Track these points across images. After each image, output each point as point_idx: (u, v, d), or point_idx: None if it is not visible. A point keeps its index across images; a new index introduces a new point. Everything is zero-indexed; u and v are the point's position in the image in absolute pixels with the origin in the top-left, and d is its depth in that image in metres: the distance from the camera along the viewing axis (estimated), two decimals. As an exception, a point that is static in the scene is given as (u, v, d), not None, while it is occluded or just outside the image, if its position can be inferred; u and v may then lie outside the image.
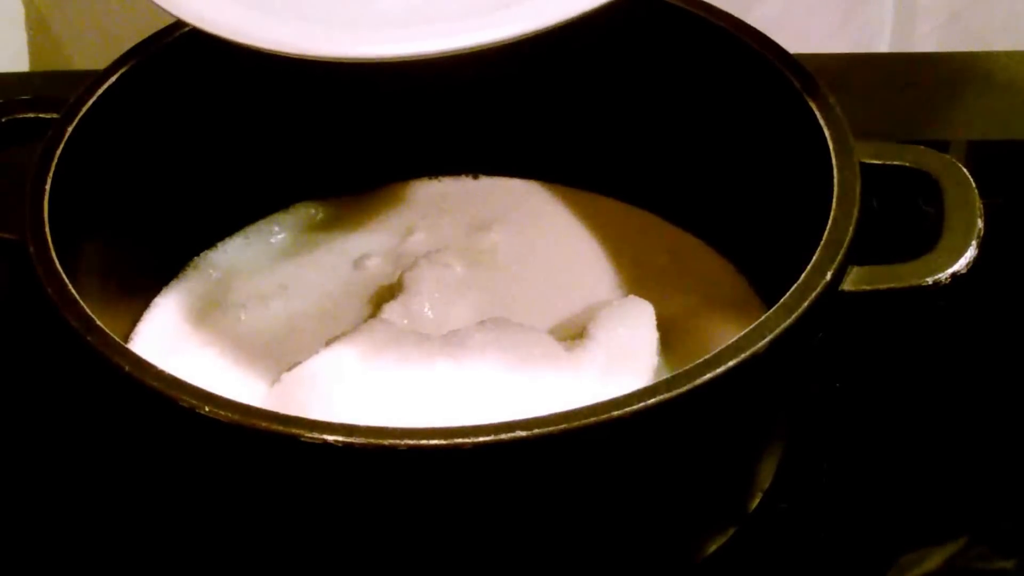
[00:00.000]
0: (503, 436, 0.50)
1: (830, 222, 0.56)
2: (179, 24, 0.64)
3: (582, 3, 0.57)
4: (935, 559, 0.62)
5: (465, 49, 0.56)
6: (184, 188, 0.67)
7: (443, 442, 0.50)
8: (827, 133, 0.59)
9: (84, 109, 0.62)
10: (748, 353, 0.52)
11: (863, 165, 0.58)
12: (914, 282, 0.56)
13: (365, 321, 0.63)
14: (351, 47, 0.57)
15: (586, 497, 0.54)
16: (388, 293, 0.67)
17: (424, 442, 0.50)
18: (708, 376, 0.51)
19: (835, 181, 0.58)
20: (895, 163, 0.60)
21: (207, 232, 0.70)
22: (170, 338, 0.65)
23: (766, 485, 0.62)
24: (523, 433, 0.50)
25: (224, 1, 0.59)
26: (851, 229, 0.56)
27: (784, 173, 0.63)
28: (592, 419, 0.50)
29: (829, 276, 0.54)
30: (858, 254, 0.56)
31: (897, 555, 0.62)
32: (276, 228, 0.71)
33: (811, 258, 0.55)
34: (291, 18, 0.58)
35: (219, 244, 0.70)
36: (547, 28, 0.56)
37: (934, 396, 0.67)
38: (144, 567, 0.61)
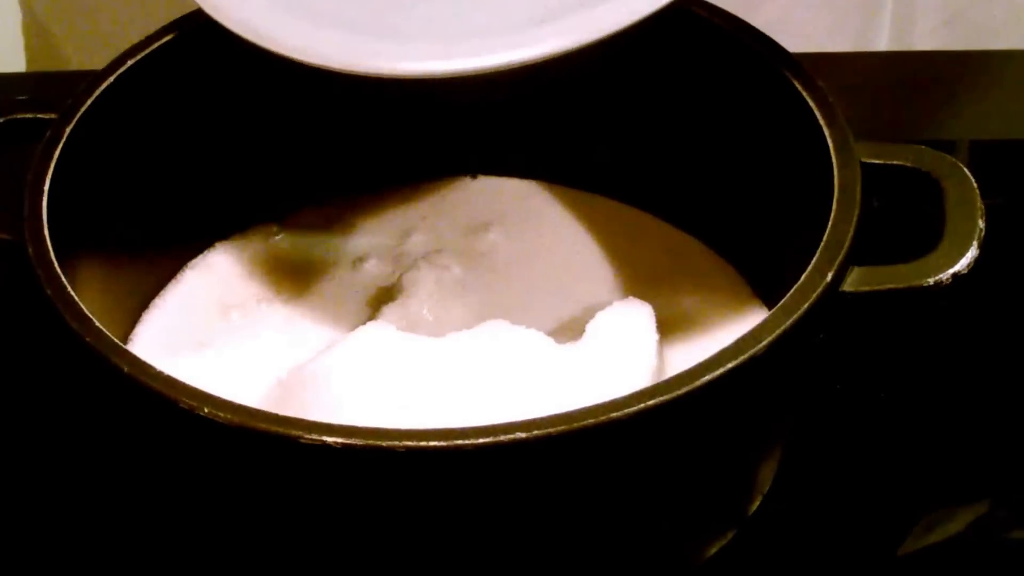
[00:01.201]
0: (502, 438, 0.50)
1: (830, 223, 0.56)
2: (177, 24, 0.64)
3: (617, 19, 0.57)
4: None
5: (504, 67, 0.57)
6: (183, 189, 0.67)
7: (442, 444, 0.50)
8: (827, 133, 0.59)
9: (82, 109, 0.62)
10: (748, 355, 0.52)
11: (864, 165, 0.58)
12: (915, 283, 0.56)
13: (364, 323, 0.63)
14: (394, 63, 0.57)
15: (585, 499, 0.54)
16: (387, 295, 0.67)
17: (423, 444, 0.50)
18: (708, 378, 0.51)
19: (835, 181, 0.58)
20: (896, 163, 0.59)
21: (206, 233, 0.69)
22: (169, 339, 0.65)
23: (766, 488, 0.61)
24: (522, 435, 0.50)
25: (268, 11, 0.59)
26: (851, 229, 0.56)
27: (784, 173, 0.63)
28: (591, 421, 0.50)
29: (829, 277, 0.54)
30: (859, 254, 0.56)
31: (899, 557, 0.62)
32: (275, 229, 0.71)
33: (811, 259, 0.55)
34: (334, 31, 0.58)
35: (218, 245, 0.70)
36: (585, 45, 0.57)
37: (936, 397, 0.66)
38: (144, 568, 0.61)
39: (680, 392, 0.51)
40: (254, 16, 0.60)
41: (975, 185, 0.58)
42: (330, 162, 0.71)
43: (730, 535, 0.60)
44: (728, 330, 0.55)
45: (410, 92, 0.67)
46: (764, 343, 0.52)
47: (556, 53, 0.57)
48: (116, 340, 0.54)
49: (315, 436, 0.50)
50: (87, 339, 0.54)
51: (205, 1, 0.61)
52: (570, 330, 0.64)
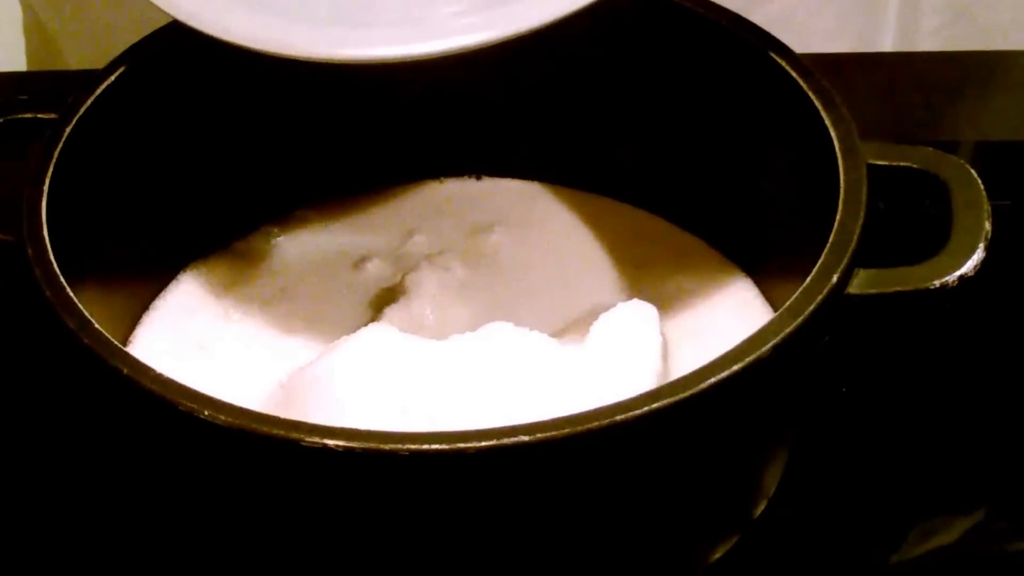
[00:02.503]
0: (505, 441, 0.49)
1: (836, 224, 0.56)
2: (177, 24, 0.64)
3: (566, 4, 0.57)
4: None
5: (454, 51, 0.56)
6: (183, 189, 0.67)
7: (445, 447, 0.49)
8: (833, 134, 0.59)
9: (82, 110, 0.62)
10: (753, 357, 0.51)
11: (870, 166, 0.58)
12: (921, 285, 0.55)
13: (366, 324, 0.63)
14: (339, 48, 0.57)
15: (589, 502, 0.54)
16: (389, 296, 0.67)
17: (426, 447, 0.49)
18: (712, 380, 0.51)
19: (841, 183, 0.57)
20: (902, 164, 0.59)
21: (207, 234, 0.69)
22: (169, 341, 0.65)
23: (771, 491, 0.61)
24: (526, 438, 0.49)
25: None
26: (857, 231, 0.56)
27: (790, 174, 0.62)
28: (595, 424, 0.50)
29: (835, 279, 0.54)
30: (865, 257, 0.55)
31: (902, 562, 0.62)
32: (276, 230, 0.71)
33: (817, 261, 0.55)
34: (279, 16, 0.58)
35: (219, 246, 0.69)
36: (537, 29, 0.57)
37: (941, 400, 0.66)
38: (144, 570, 0.61)
39: (685, 395, 0.50)
40: (202, 7, 0.60)
41: (982, 187, 0.58)
42: (332, 163, 0.71)
43: (735, 539, 0.60)
44: (733, 332, 0.54)
45: (414, 91, 0.67)
46: (769, 345, 0.52)
47: (507, 37, 0.57)
48: (116, 342, 0.54)
49: (316, 439, 0.49)
50: (86, 341, 0.53)
51: None
52: (574, 332, 0.63)
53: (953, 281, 0.55)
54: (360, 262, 0.69)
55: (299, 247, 0.70)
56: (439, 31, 0.58)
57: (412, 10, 0.59)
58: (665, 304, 0.64)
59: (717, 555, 0.60)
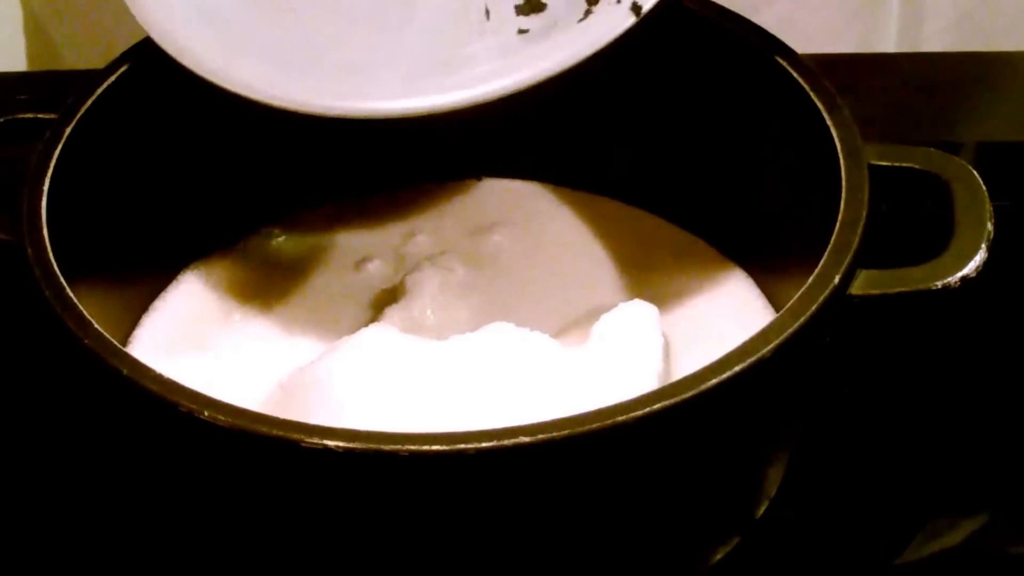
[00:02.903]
0: (506, 442, 0.49)
1: (838, 225, 0.56)
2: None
3: (573, 54, 0.57)
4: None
5: (460, 105, 0.57)
6: (184, 189, 0.67)
7: (445, 448, 0.49)
8: (835, 135, 0.59)
9: (83, 110, 0.62)
10: (755, 358, 0.51)
11: (871, 167, 0.58)
12: (923, 286, 0.55)
13: (366, 325, 0.63)
14: (352, 102, 0.58)
15: (590, 503, 0.54)
16: (389, 296, 0.67)
17: (426, 448, 0.49)
18: (714, 381, 0.51)
19: (843, 183, 0.57)
20: (904, 165, 0.59)
21: (207, 234, 0.69)
22: (169, 342, 0.65)
23: (773, 492, 0.61)
24: (526, 439, 0.49)
25: (208, 41, 0.59)
26: (859, 232, 0.56)
27: (792, 175, 0.62)
28: (596, 424, 0.50)
29: (837, 280, 0.54)
30: (867, 257, 0.55)
31: (905, 564, 0.61)
32: (276, 231, 0.70)
33: (819, 261, 0.55)
34: (284, 65, 0.59)
35: (219, 246, 0.69)
36: (558, 73, 0.58)
37: (943, 401, 0.66)
38: (144, 570, 0.61)
39: (686, 396, 0.50)
40: (179, 33, 0.60)
41: (984, 187, 0.58)
42: (333, 164, 0.71)
43: (736, 541, 0.60)
44: (735, 333, 0.54)
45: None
46: (771, 346, 0.52)
47: (517, 89, 0.58)
48: (115, 342, 0.54)
49: (316, 440, 0.49)
50: (86, 341, 0.53)
51: (151, 26, 0.61)
52: (575, 332, 0.63)
53: (955, 282, 0.55)
54: (361, 262, 0.69)
55: (299, 247, 0.70)
56: (460, 82, 0.58)
57: (435, 55, 0.60)
58: (666, 304, 0.64)
59: (718, 556, 0.60)
